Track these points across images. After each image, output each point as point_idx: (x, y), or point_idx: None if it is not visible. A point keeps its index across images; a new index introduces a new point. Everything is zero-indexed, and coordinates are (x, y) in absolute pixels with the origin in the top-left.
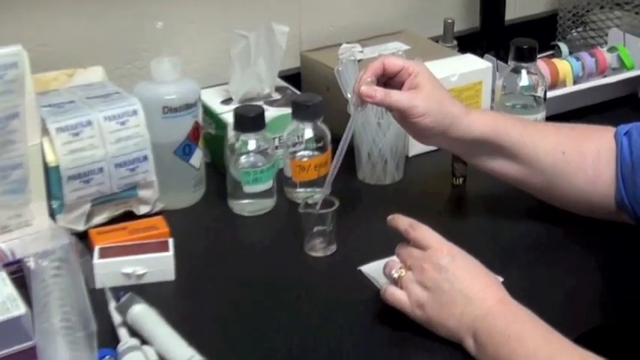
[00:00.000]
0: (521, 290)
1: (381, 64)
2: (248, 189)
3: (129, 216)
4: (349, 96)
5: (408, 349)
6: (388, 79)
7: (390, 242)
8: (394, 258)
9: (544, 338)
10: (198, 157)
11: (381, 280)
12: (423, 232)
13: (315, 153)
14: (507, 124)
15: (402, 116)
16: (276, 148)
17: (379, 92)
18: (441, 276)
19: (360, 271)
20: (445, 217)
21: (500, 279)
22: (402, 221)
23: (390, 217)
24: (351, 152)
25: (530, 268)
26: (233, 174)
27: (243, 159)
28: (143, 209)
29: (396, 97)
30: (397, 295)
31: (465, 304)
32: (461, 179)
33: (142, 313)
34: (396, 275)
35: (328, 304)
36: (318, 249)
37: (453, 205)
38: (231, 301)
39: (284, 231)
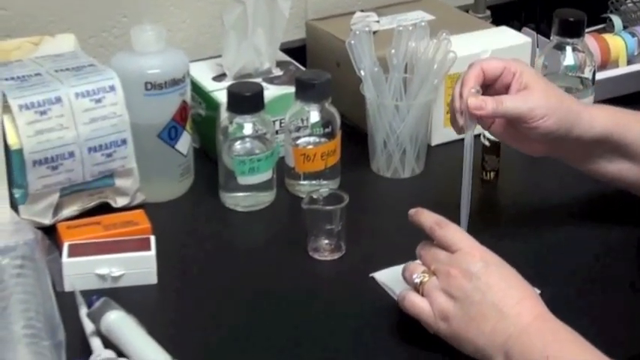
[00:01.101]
0: (562, 305)
1: (480, 69)
2: (243, 180)
3: (104, 209)
4: (362, 74)
5: None
6: (487, 86)
7: (409, 245)
8: (415, 261)
9: None
10: (185, 142)
11: (397, 290)
12: (452, 232)
13: (322, 140)
14: (628, 118)
15: (515, 125)
16: (277, 133)
17: (489, 102)
18: (471, 284)
19: (372, 278)
20: (473, 218)
21: (538, 291)
22: (426, 217)
23: (412, 211)
24: (364, 140)
25: (572, 279)
26: (226, 162)
27: (237, 145)
28: (121, 201)
29: (509, 102)
30: (418, 304)
31: (497, 319)
32: (492, 174)
33: (119, 321)
34: (417, 280)
35: (334, 316)
36: (324, 251)
37: (482, 203)
38: (221, 310)
39: (284, 230)
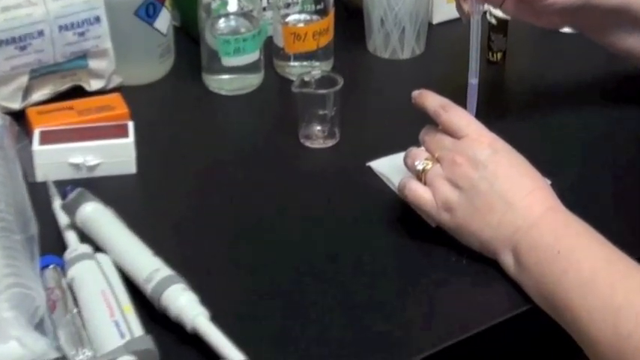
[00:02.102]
0: (575, 197)
1: None
2: (228, 61)
3: (77, 92)
4: None
5: (429, 265)
6: None
7: (410, 132)
8: (418, 147)
9: (603, 257)
10: (164, 20)
11: (396, 181)
12: (459, 116)
13: (314, 17)
14: None
15: (531, 0)
16: (264, 9)
17: None
18: (477, 173)
19: (369, 167)
20: (480, 102)
21: (549, 182)
22: (431, 99)
23: (416, 93)
24: (359, 17)
25: (587, 169)
26: (209, 42)
27: (221, 23)
28: (95, 84)
29: None
30: (420, 192)
31: (504, 210)
32: (499, 54)
33: (95, 213)
34: (420, 167)
35: (328, 208)
36: (317, 138)
37: (489, 86)
38: (205, 200)
39: (273, 115)
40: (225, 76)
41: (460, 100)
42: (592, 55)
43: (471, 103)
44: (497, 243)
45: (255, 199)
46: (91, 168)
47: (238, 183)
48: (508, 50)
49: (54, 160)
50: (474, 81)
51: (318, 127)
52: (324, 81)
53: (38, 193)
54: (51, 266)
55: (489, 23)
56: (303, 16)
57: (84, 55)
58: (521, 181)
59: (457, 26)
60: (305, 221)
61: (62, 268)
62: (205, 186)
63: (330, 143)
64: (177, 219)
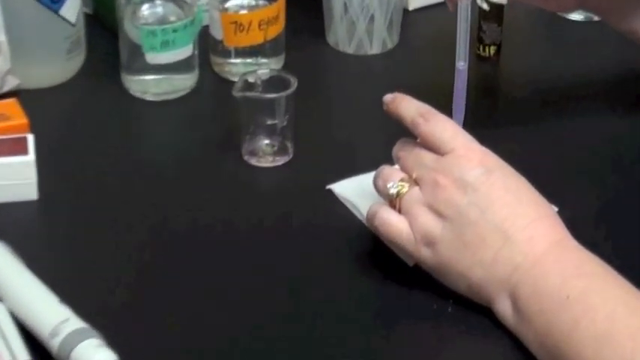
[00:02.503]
0: (588, 228)
1: None
2: (153, 58)
3: None
4: None
5: (406, 313)
6: None
7: (381, 146)
8: (391, 166)
9: (622, 302)
10: (73, 6)
11: (364, 207)
12: (443, 126)
13: (260, 2)
14: None
15: None
16: None
17: None
18: (466, 198)
19: (330, 191)
20: (469, 107)
21: (555, 209)
22: (407, 106)
23: (388, 98)
24: (317, 3)
25: (603, 192)
26: (130, 34)
27: (145, 10)
28: None
29: None
30: (393, 223)
31: (500, 245)
32: (492, 48)
33: None
34: (394, 191)
35: (279, 243)
36: (264, 155)
37: (479, 89)
38: (124, 232)
39: (209, 126)
40: (151, 77)
41: (444, 106)
42: (604, 48)
43: (458, 100)
44: (490, 286)
45: (186, 232)
46: None
47: (165, 212)
48: (503, 43)
49: None
50: (461, 65)
51: (267, 141)
52: (274, 82)
53: None
54: None
55: (480, 9)
56: (246, 1)
57: None
58: (521, 207)
59: (439, 12)
60: (250, 260)
61: None
62: (124, 214)
63: (280, 161)
64: (89, 256)
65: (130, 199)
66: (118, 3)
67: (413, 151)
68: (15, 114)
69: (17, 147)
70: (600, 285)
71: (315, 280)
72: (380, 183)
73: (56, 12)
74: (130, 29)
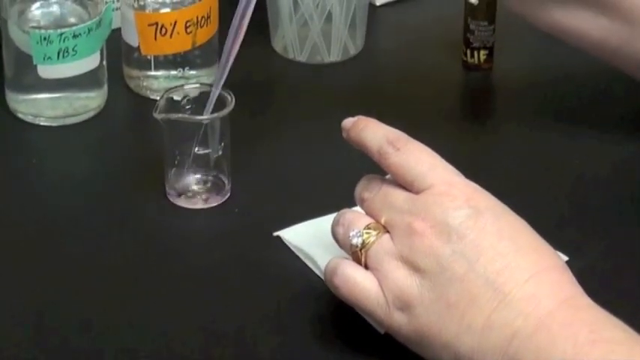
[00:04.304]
0: (604, 282)
1: None
2: (48, 72)
3: None
4: None
5: None
6: None
7: (341, 183)
8: (354, 208)
9: None
10: None
11: (321, 259)
12: (418, 157)
13: None
14: None
15: None
16: None
17: None
18: (449, 247)
19: (278, 238)
20: (452, 135)
21: (564, 258)
22: (373, 131)
23: (349, 123)
24: (262, 1)
25: (623, 235)
26: (16, 40)
27: (36, 9)
28: None
29: None
30: (358, 281)
31: (494, 304)
32: (483, 54)
33: None
34: (357, 241)
35: (214, 306)
36: (195, 194)
37: (467, 108)
38: (14, 299)
39: (123, 157)
40: (45, 96)
41: (422, 130)
42: None
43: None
44: (483, 357)
45: (92, 292)
46: None
47: (68, 268)
48: (496, 47)
49: None
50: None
51: (197, 176)
52: (205, 101)
53: None
54: None
55: (467, 4)
56: None
57: None
58: (519, 257)
59: (416, 8)
60: (179, 330)
61: None
62: (15, 274)
63: (215, 201)
64: None
65: (22, 253)
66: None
67: (381, 190)
68: None
69: None
70: (621, 354)
71: (260, 353)
72: (340, 231)
73: None
74: (16, 35)
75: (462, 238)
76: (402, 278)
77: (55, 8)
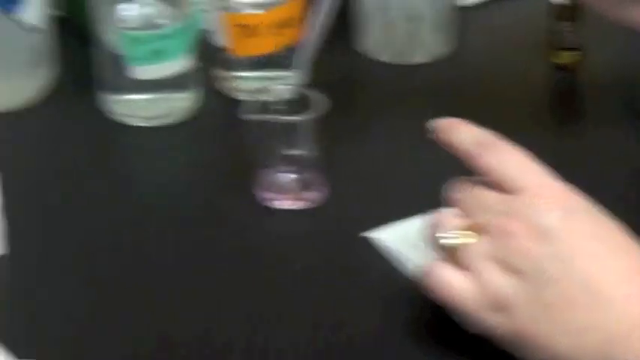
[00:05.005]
0: None
1: None
2: (140, 72)
3: None
4: None
5: None
6: None
7: (430, 184)
8: (447, 209)
9: None
10: (37, 7)
11: (411, 259)
12: (509, 158)
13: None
14: None
15: None
16: None
17: None
18: (544, 249)
19: (367, 240)
20: (541, 136)
21: None
22: (464, 133)
23: (438, 124)
24: (347, 1)
25: None
26: (109, 41)
27: (126, 10)
28: None
29: None
30: (453, 283)
31: (589, 307)
32: (571, 55)
33: None
34: (452, 242)
35: (303, 307)
36: (284, 194)
37: (555, 109)
38: (111, 300)
39: (212, 158)
40: (138, 97)
41: (512, 133)
42: None
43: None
44: (580, 358)
45: (186, 293)
46: None
47: (157, 268)
48: (585, 47)
49: None
50: None
51: (287, 176)
52: (294, 102)
53: None
54: None
55: (552, 4)
56: None
57: None
58: (614, 258)
59: (502, 9)
60: (269, 329)
61: None
62: (109, 274)
63: (305, 202)
64: (70, 322)
65: (115, 252)
66: (94, 1)
67: (473, 191)
68: None
69: None
70: None
71: (357, 353)
72: (434, 232)
73: (11, 14)
74: (109, 36)
75: (556, 240)
76: (496, 280)
77: (145, 9)
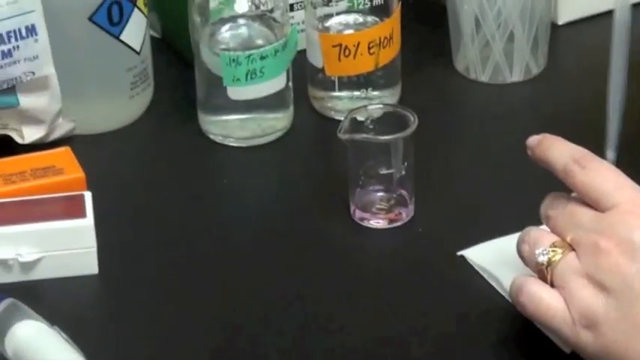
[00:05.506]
0: None
1: None
2: (237, 93)
3: (3, 146)
4: None
5: None
6: None
7: (524, 201)
8: (539, 227)
9: None
10: (138, 29)
11: (506, 277)
12: (604, 175)
13: (369, 19)
14: None
15: None
16: (291, 8)
17: None
18: (635, 266)
19: (462, 258)
20: (631, 148)
21: None
22: (559, 150)
23: (534, 140)
24: (441, 19)
25: None
26: (207, 62)
27: (225, 32)
28: (31, 134)
29: None
30: (545, 299)
31: None
32: None
33: (34, 338)
34: (544, 259)
35: (399, 324)
36: (378, 213)
37: None
38: (207, 324)
39: (308, 177)
40: (234, 117)
41: (601, 146)
42: None
43: (610, 147)
44: None
45: (280, 308)
46: (27, 266)
47: (251, 285)
48: None
49: None
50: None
51: (381, 195)
52: (389, 121)
53: None
54: None
55: None
56: (352, 18)
57: (12, 88)
58: None
59: (595, 27)
60: (371, 344)
61: None
62: (201, 291)
63: (398, 221)
64: (160, 342)
65: (208, 272)
66: (193, 23)
67: (566, 208)
68: (68, 166)
69: (72, 208)
70: None
71: None
72: (526, 249)
73: (116, 37)
74: (207, 56)
75: None
76: (588, 296)
77: (243, 30)
